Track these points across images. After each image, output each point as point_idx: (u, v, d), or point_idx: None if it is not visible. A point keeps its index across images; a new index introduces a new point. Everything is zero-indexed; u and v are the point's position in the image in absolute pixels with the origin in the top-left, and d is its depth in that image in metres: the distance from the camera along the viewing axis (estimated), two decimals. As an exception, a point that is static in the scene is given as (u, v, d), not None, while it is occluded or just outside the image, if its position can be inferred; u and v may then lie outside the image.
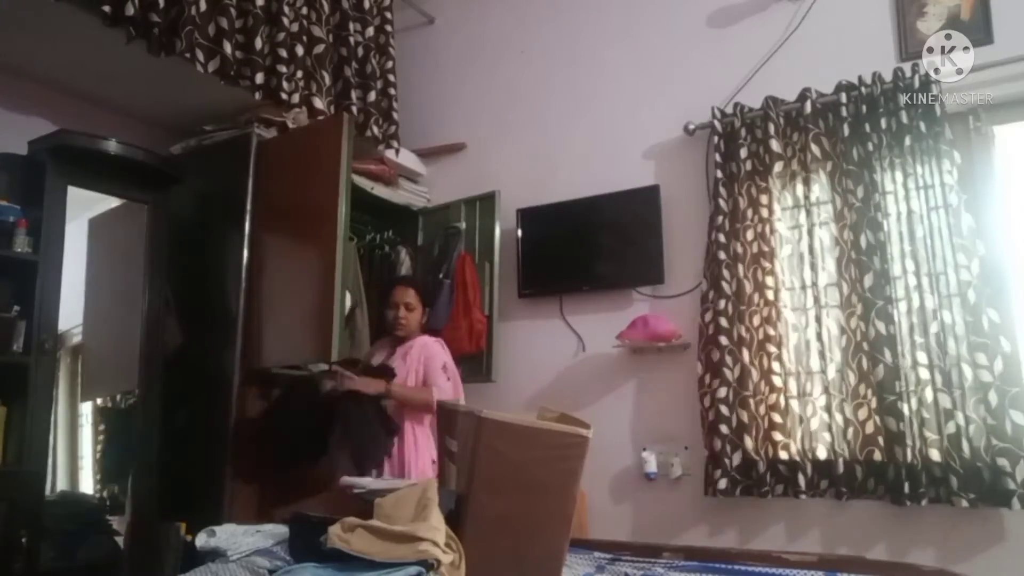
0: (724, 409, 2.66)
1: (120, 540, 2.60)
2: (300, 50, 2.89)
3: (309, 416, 2.52)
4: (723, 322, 2.73)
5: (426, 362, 2.63)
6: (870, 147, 2.59)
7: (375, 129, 3.25)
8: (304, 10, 2.96)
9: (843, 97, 2.65)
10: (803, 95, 2.72)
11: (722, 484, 2.63)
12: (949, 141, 2.46)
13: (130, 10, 2.28)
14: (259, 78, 2.68)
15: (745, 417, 2.62)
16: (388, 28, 3.45)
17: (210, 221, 2.91)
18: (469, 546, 1.29)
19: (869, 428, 2.48)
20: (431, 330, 3.06)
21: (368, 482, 2.11)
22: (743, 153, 2.81)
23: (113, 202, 2.76)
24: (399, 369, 2.64)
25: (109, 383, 2.81)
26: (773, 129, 2.76)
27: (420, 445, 2.59)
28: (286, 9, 2.83)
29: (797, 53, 2.87)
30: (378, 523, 1.27)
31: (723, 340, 2.71)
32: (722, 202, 2.82)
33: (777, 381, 2.63)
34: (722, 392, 2.68)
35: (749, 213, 2.78)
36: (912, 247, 2.47)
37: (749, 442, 2.61)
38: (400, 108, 3.42)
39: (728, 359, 2.69)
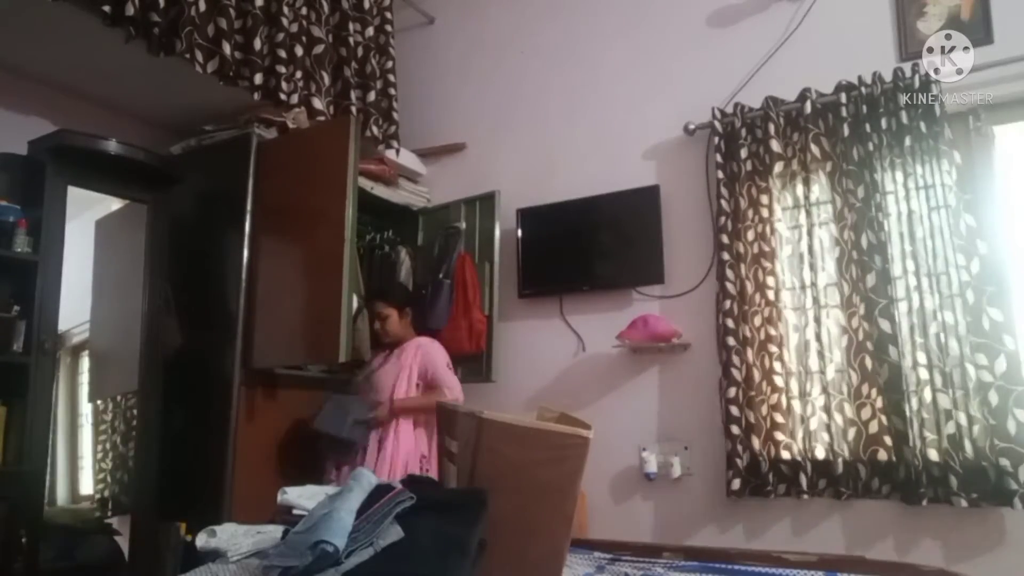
0: (734, 409, 2.66)
1: (120, 540, 2.60)
2: (299, 50, 2.89)
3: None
4: (729, 322, 2.73)
5: (426, 362, 2.77)
6: (870, 147, 2.59)
7: (375, 129, 3.25)
8: (304, 10, 2.95)
9: (843, 97, 2.65)
10: (803, 95, 2.72)
11: (735, 484, 2.63)
12: (949, 141, 2.45)
13: (130, 10, 2.28)
14: (258, 78, 2.68)
15: (752, 417, 2.62)
16: (388, 28, 3.44)
17: (210, 221, 2.91)
18: (469, 546, 1.28)
19: (873, 428, 2.47)
20: (428, 330, 3.08)
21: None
22: (743, 153, 2.81)
23: (119, 203, 2.76)
24: (391, 368, 2.79)
25: (114, 383, 2.81)
26: (773, 129, 2.76)
27: (403, 440, 2.71)
28: (285, 9, 2.82)
29: (797, 53, 2.87)
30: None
31: (730, 340, 2.71)
32: (724, 202, 2.82)
33: (778, 381, 2.63)
34: (732, 392, 2.68)
35: (750, 213, 2.78)
36: (912, 247, 2.47)
37: (756, 442, 2.61)
38: (400, 108, 3.42)
39: (735, 359, 2.69)
